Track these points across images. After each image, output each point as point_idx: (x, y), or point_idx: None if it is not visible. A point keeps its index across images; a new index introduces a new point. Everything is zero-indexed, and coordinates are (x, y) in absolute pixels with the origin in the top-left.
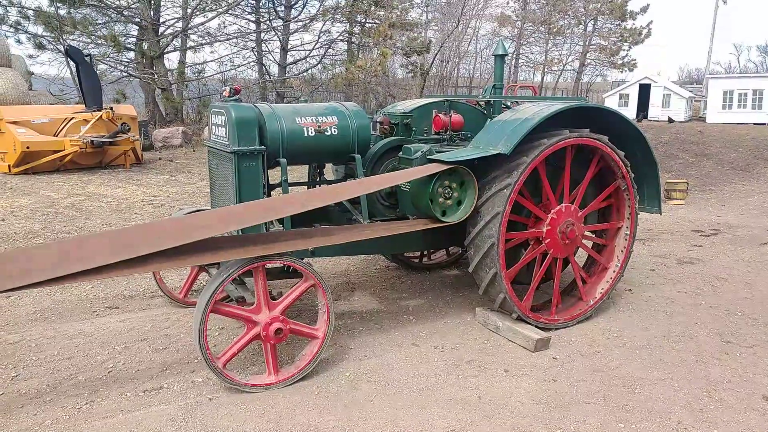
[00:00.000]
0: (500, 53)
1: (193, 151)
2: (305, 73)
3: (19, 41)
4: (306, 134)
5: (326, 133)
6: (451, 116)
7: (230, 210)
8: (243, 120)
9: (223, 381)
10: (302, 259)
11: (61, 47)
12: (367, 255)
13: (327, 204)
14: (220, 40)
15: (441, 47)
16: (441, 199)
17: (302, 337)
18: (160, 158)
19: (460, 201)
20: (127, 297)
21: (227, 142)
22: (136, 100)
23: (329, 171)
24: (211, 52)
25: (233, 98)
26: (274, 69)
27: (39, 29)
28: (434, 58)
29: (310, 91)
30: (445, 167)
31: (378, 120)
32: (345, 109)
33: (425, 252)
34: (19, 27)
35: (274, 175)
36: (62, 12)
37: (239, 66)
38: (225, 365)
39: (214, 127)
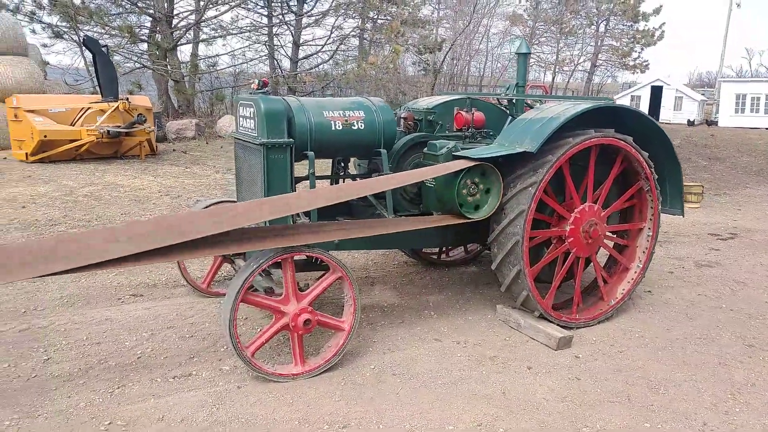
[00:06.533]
0: (523, 51)
1: (207, 143)
2: (317, 68)
3: (33, 31)
4: (333, 128)
5: (353, 127)
6: (473, 114)
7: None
8: (272, 112)
9: (251, 369)
10: (327, 251)
11: (76, 37)
12: (385, 250)
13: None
14: (232, 33)
15: (452, 45)
16: (466, 196)
17: (326, 328)
18: (174, 150)
19: (485, 198)
20: (150, 285)
21: (256, 134)
22: (149, 91)
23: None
24: (224, 45)
25: (262, 90)
26: (286, 63)
27: (54, 19)
28: (445, 56)
29: (321, 87)
30: (472, 164)
31: (402, 116)
32: (371, 104)
33: (443, 248)
34: (34, 16)
35: (300, 169)
36: (77, 1)
37: (251, 60)
38: (254, 354)
39: (241, 119)
